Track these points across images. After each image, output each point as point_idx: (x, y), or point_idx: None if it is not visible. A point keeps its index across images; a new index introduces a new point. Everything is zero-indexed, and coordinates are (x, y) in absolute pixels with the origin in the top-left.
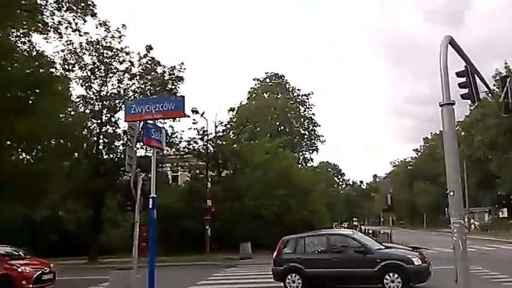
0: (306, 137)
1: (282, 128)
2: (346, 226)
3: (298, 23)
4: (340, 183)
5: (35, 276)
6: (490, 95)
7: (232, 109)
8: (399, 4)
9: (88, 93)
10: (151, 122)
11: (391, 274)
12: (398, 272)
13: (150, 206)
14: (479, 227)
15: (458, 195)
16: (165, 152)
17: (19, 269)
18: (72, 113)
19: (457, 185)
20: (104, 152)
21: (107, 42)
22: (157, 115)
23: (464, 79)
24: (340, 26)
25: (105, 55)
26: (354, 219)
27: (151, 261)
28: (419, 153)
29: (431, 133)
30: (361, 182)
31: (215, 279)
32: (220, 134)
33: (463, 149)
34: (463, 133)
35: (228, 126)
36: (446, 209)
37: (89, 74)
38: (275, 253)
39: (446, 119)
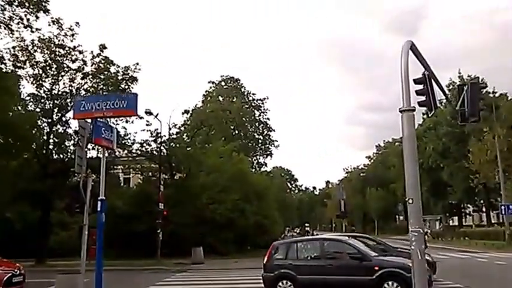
0: (260, 141)
1: (237, 132)
2: (298, 232)
3: (256, 29)
4: (293, 188)
5: (5, 279)
6: (446, 102)
7: (186, 111)
8: (355, 14)
9: (39, 92)
10: (101, 120)
11: (389, 283)
12: (398, 280)
13: (99, 209)
14: (431, 235)
15: (417, 202)
16: (117, 153)
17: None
18: (22, 111)
19: (416, 193)
20: (53, 152)
21: (59, 40)
22: (108, 113)
23: (421, 86)
24: (297, 34)
25: (57, 53)
26: (306, 224)
27: (99, 265)
28: (372, 160)
29: (384, 141)
30: (314, 188)
31: (166, 285)
32: (174, 136)
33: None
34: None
35: (182, 128)
36: (397, 216)
37: (40, 72)
38: (265, 258)
39: (406, 125)
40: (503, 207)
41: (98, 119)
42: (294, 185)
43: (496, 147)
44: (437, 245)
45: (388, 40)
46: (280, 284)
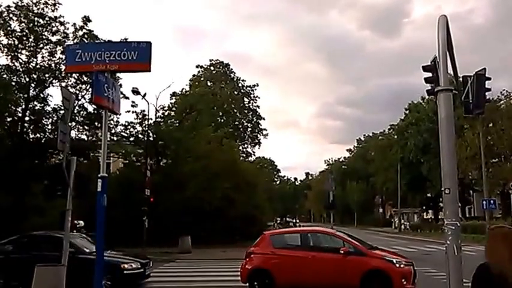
0: (249, 129)
1: (225, 119)
2: (279, 222)
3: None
4: (276, 179)
5: (413, 273)
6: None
7: (174, 94)
8: (336, 11)
9: (14, 64)
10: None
11: None
12: None
13: (99, 189)
14: (410, 227)
15: (454, 193)
16: (99, 135)
17: (396, 264)
18: None
19: (453, 182)
20: (30, 130)
21: (38, 9)
22: (113, 66)
23: (430, 74)
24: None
25: (36, 23)
26: (288, 215)
27: (100, 255)
28: (353, 154)
29: (364, 135)
30: (295, 179)
31: (155, 276)
32: (161, 120)
33: (397, 151)
34: (396, 136)
35: (171, 113)
36: (374, 209)
37: (16, 43)
38: None
39: (443, 106)
40: (484, 202)
41: (100, 73)
42: (276, 176)
43: (476, 144)
44: (418, 237)
45: (369, 37)
46: None
